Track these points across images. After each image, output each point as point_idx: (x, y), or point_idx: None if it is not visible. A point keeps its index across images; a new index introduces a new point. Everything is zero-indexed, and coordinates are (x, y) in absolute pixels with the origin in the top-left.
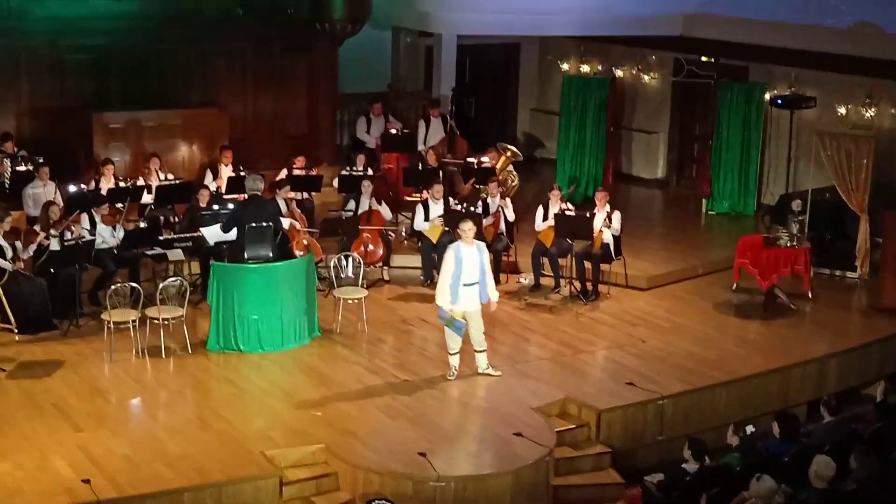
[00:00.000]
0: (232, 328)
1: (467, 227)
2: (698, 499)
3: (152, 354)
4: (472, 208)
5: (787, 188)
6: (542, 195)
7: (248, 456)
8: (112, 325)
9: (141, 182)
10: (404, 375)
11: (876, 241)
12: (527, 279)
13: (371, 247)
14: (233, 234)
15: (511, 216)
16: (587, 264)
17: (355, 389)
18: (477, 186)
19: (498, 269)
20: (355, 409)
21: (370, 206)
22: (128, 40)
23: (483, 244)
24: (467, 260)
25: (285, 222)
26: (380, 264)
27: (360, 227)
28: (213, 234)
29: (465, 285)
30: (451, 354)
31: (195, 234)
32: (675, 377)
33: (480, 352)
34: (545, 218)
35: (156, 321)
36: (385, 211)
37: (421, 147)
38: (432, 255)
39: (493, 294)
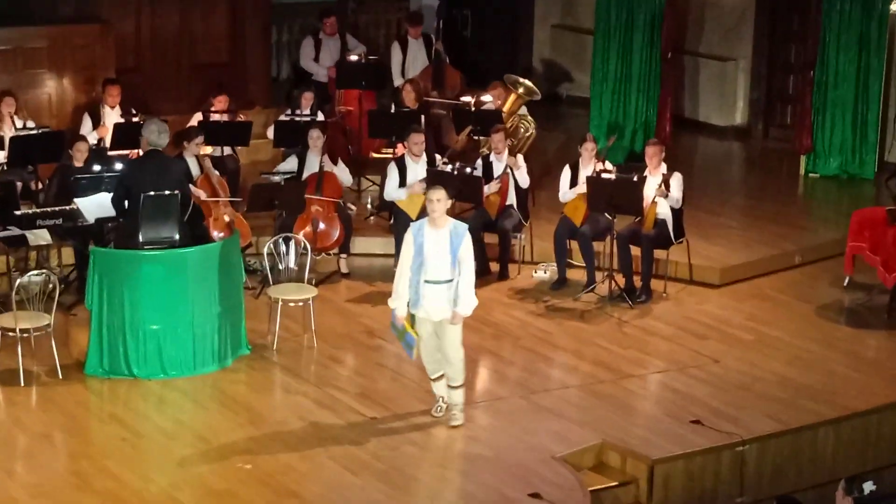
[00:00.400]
0: (121, 344)
1: (436, 198)
2: None
3: (5, 381)
4: (468, 169)
5: None
6: (570, 151)
7: None
8: None
9: None
10: (371, 411)
11: None
12: (547, 272)
13: (323, 226)
14: (122, 208)
15: (524, 181)
16: (634, 250)
17: (299, 431)
18: (475, 138)
19: (506, 257)
20: (300, 459)
21: (321, 167)
22: None
23: (463, 227)
24: (433, 248)
25: (198, 190)
26: (335, 251)
27: (306, 196)
28: (93, 206)
29: (427, 283)
30: (432, 380)
31: (68, 208)
32: (762, 412)
33: (454, 388)
34: (574, 184)
35: (10, 334)
36: (343, 174)
37: (398, 81)
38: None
39: (467, 302)
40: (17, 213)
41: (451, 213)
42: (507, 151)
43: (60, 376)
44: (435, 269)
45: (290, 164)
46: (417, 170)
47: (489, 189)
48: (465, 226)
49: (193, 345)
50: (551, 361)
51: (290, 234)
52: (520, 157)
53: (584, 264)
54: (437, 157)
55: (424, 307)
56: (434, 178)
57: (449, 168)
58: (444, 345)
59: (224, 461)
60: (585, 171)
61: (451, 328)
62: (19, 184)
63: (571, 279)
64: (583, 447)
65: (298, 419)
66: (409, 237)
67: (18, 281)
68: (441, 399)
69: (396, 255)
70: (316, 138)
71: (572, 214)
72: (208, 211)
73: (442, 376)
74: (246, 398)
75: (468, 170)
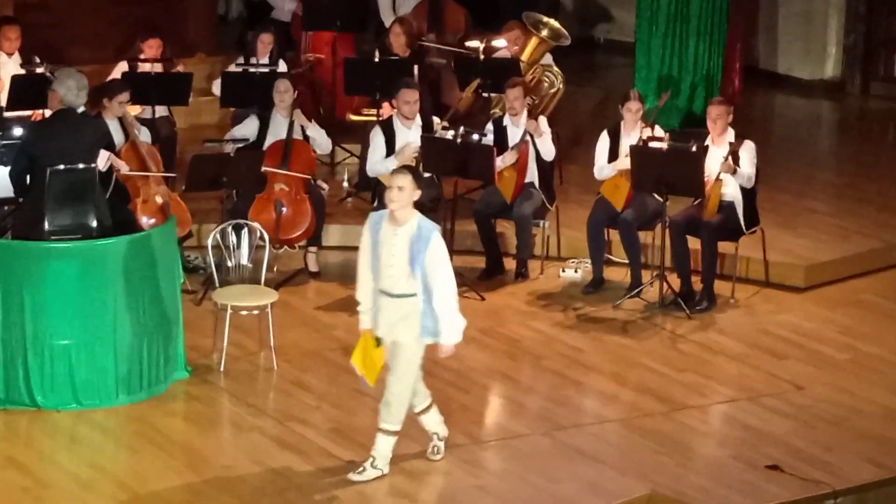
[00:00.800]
0: (21, 364)
1: (396, 186)
2: None
3: None
4: (475, 136)
5: None
6: (609, 112)
7: None
8: None
9: None
10: (347, 452)
11: None
12: (578, 270)
13: (287, 210)
14: (23, 185)
15: (549, 151)
16: (693, 242)
17: (254, 479)
18: (485, 95)
19: (525, 251)
20: None
21: (290, 132)
22: None
23: (430, 229)
24: (388, 250)
25: (102, 156)
26: (302, 243)
27: (266, 170)
28: None
29: (384, 294)
30: (416, 415)
31: None
32: (858, 454)
33: (381, 431)
34: (614, 156)
35: None
36: (320, 137)
37: (388, 19)
38: None
39: (450, 327)
40: None
41: (453, 193)
42: (525, 113)
43: None
44: (388, 278)
45: (248, 127)
46: (409, 136)
47: (503, 162)
48: (434, 227)
49: (115, 366)
50: (583, 388)
51: (243, 221)
52: (542, 120)
53: (627, 261)
54: (435, 119)
55: (379, 323)
56: (430, 148)
57: (450, 134)
58: (389, 373)
59: None
60: (629, 138)
61: (401, 355)
62: None
63: (610, 280)
64: (624, 500)
65: (253, 463)
66: (365, 230)
67: None
68: (436, 436)
69: None
70: (283, 92)
71: (611, 196)
72: (135, 190)
73: (429, 407)
74: (184, 436)
75: (475, 137)
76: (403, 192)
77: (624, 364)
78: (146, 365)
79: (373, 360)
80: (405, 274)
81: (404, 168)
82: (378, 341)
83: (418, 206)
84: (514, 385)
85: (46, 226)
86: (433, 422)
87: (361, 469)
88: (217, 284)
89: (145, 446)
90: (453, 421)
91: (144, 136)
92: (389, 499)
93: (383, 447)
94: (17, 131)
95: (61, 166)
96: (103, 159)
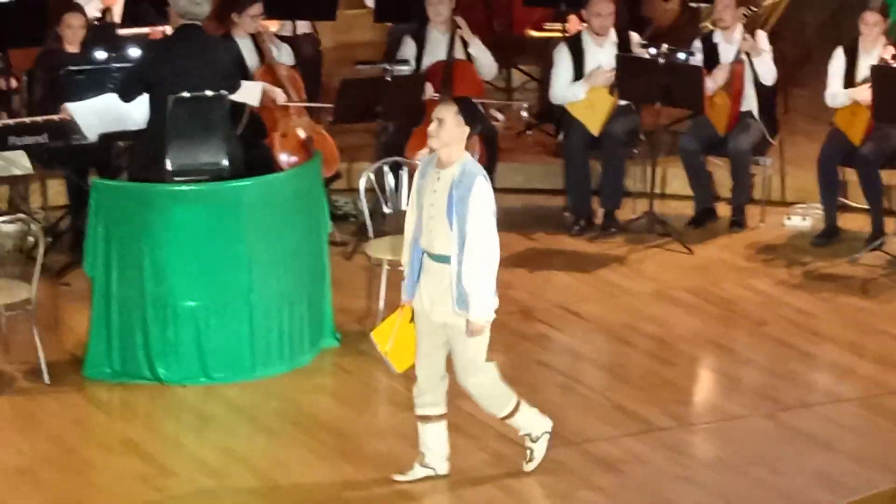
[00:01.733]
0: (140, 331)
1: (436, 118)
2: None
3: None
4: (680, 55)
5: None
6: (844, 25)
7: None
8: None
9: None
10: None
11: None
12: (807, 218)
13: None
14: (140, 115)
15: (769, 73)
16: None
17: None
18: (692, 5)
19: (742, 194)
20: None
21: (451, 51)
22: None
23: (474, 173)
24: (429, 199)
25: (255, 88)
26: None
27: (427, 98)
28: (94, 116)
29: (431, 257)
30: (417, 418)
31: (57, 118)
32: None
33: (506, 418)
34: (850, 80)
35: None
36: (484, 59)
37: None
38: (587, 162)
39: (477, 302)
40: None
41: (655, 124)
42: (741, 27)
43: (47, 380)
44: (428, 233)
45: (405, 49)
46: (601, 55)
47: (714, 84)
48: (479, 171)
49: (251, 333)
50: (813, 360)
51: (401, 159)
52: (762, 35)
53: (867, 206)
54: (633, 35)
55: (420, 295)
56: (627, 70)
57: (651, 53)
58: (455, 364)
59: None
60: (868, 57)
61: (461, 338)
62: None
63: (846, 230)
64: (863, 496)
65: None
66: (416, 175)
67: None
68: (423, 457)
69: (567, 188)
70: (437, 3)
71: (847, 127)
72: (273, 122)
73: (432, 417)
74: (333, 417)
75: (681, 56)
76: (444, 126)
77: (862, 331)
78: (287, 332)
79: (406, 340)
80: (444, 228)
81: (450, 99)
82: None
83: (618, 138)
84: (728, 356)
85: (168, 165)
86: (525, 420)
87: (528, 455)
88: (371, 235)
89: (286, 428)
90: (655, 398)
91: (285, 56)
92: (583, 492)
93: (527, 421)
94: (134, 52)
95: (185, 94)
96: (255, 92)
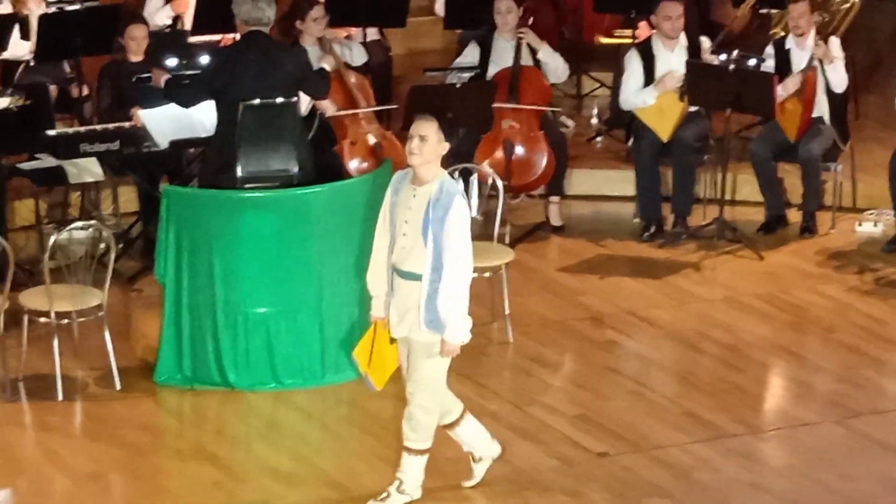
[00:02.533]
0: (210, 337)
1: (418, 135)
2: None
3: (34, 394)
4: (751, 61)
5: None
6: None
7: None
8: None
9: (4, 8)
10: (597, 443)
11: None
12: (878, 224)
13: (522, 151)
14: (210, 122)
15: (841, 80)
16: None
17: (487, 474)
18: (763, 11)
19: (813, 200)
20: None
21: (517, 58)
22: None
23: (453, 192)
24: (403, 214)
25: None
26: (541, 191)
27: (495, 106)
28: (166, 123)
29: (398, 273)
30: (444, 427)
31: (128, 125)
32: None
33: (407, 451)
34: None
35: (41, 319)
36: (555, 63)
37: None
38: (657, 168)
39: (453, 323)
40: (51, 133)
41: (725, 130)
42: (813, 33)
43: (118, 386)
44: (400, 249)
45: (471, 55)
46: (671, 61)
47: (785, 91)
48: (457, 189)
49: (321, 339)
50: (884, 367)
51: (470, 165)
52: (834, 41)
53: None
54: (704, 41)
55: (391, 311)
56: (697, 76)
57: (721, 59)
58: (409, 377)
59: None
60: None
61: (420, 356)
62: (53, 88)
63: None
64: None
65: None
66: (388, 191)
67: (53, 238)
68: (472, 456)
69: (638, 194)
70: (505, 13)
71: None
72: (342, 129)
73: (461, 419)
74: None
75: (752, 62)
76: (426, 142)
77: None
78: (357, 338)
79: (382, 357)
80: (418, 245)
81: (428, 115)
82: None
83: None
84: (799, 363)
85: (239, 172)
86: (468, 436)
87: (385, 495)
88: None
89: (356, 434)
90: (726, 405)
91: (357, 56)
92: (653, 499)
93: (412, 469)
94: (204, 60)
95: (256, 100)
96: (304, 102)
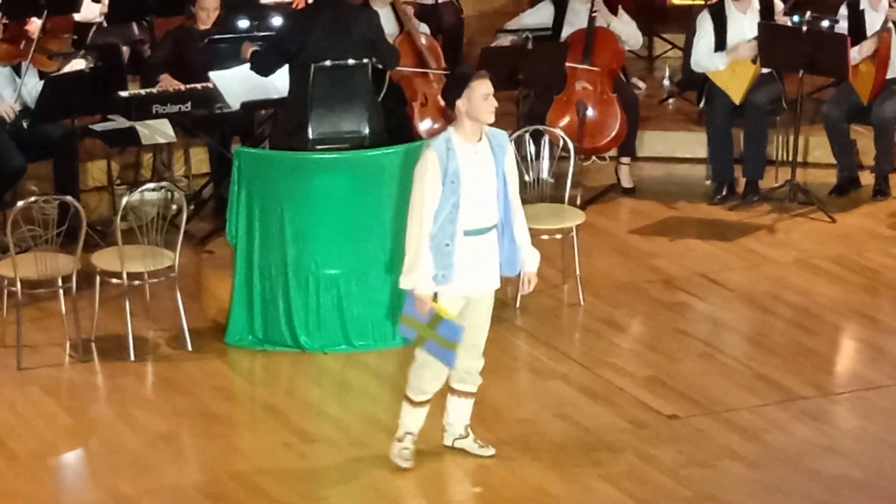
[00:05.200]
0: (282, 298)
1: (491, 90)
2: None
3: (107, 354)
4: (824, 23)
5: None
6: None
7: None
8: (18, 288)
9: None
10: (668, 405)
11: None
12: None
13: (593, 113)
14: (282, 84)
15: None
16: None
17: (557, 435)
18: None
19: (886, 161)
20: (560, 480)
21: (591, 20)
22: None
23: (503, 134)
24: (473, 174)
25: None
26: (613, 153)
27: (568, 66)
28: (238, 84)
29: (468, 235)
30: (418, 404)
31: (200, 86)
32: None
33: (462, 393)
34: None
35: (113, 280)
36: (627, 28)
37: None
38: (729, 131)
39: (532, 251)
40: (124, 94)
41: (798, 92)
42: None
43: (190, 347)
44: (479, 211)
45: (543, 14)
46: (744, 23)
47: (859, 54)
48: (504, 132)
49: (392, 300)
50: None
51: (542, 127)
52: None
53: None
54: (777, 2)
55: (465, 278)
56: (770, 38)
57: (794, 21)
58: (472, 329)
59: (441, 481)
60: None
61: (488, 303)
62: (126, 49)
63: None
64: None
65: (555, 417)
66: (433, 165)
67: (126, 199)
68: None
69: (710, 157)
70: None
71: None
72: (413, 91)
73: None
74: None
75: (825, 24)
76: (485, 97)
77: None
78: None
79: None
80: (493, 197)
81: (481, 72)
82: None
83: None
84: (872, 325)
85: (310, 133)
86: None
87: (475, 441)
88: None
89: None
90: (798, 368)
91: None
92: (724, 461)
93: (465, 413)
94: (276, 21)
95: (327, 62)
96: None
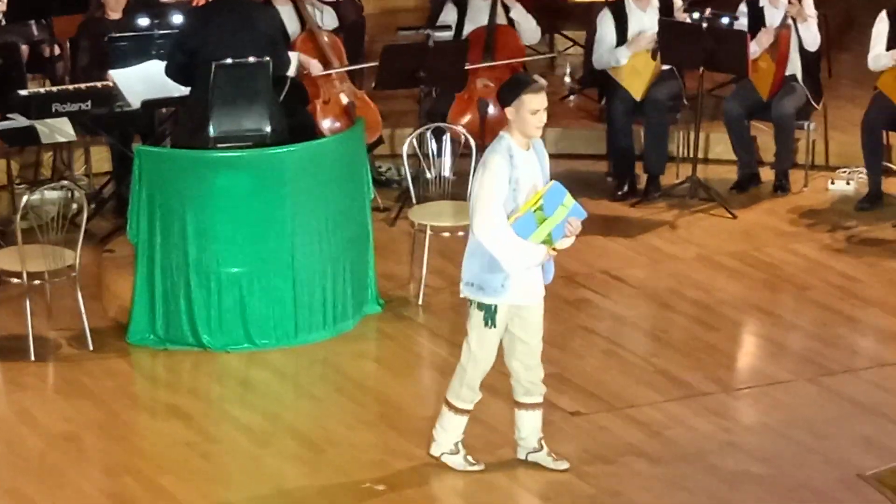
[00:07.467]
0: (183, 298)
1: (532, 96)
2: None
3: (7, 355)
4: (724, 19)
5: None
6: None
7: None
8: None
9: None
10: (572, 402)
11: None
12: (851, 182)
13: (495, 110)
14: (184, 80)
15: (814, 38)
16: None
17: (472, 440)
18: None
19: (786, 159)
20: (462, 477)
21: (492, 17)
22: None
23: (540, 143)
24: (528, 179)
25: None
26: None
27: (469, 66)
28: (138, 82)
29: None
30: (463, 412)
31: (100, 85)
32: None
33: (530, 406)
34: (893, 44)
35: (13, 280)
36: (526, 24)
37: None
38: (630, 127)
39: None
40: (23, 93)
41: (698, 88)
42: None
43: (91, 347)
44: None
45: (447, 15)
46: (644, 20)
47: (758, 47)
48: (540, 139)
49: (294, 299)
50: (857, 325)
51: (444, 125)
52: (808, 0)
53: None
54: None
55: (521, 286)
56: (669, 35)
57: (694, 17)
58: (530, 337)
59: (343, 480)
60: None
61: (541, 312)
62: (25, 48)
63: (890, 194)
64: None
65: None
66: (501, 165)
67: (26, 199)
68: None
69: (609, 153)
70: None
71: (892, 91)
72: (315, 89)
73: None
74: (376, 383)
75: (724, 20)
76: (541, 103)
77: None
78: (330, 297)
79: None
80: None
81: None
82: (491, 314)
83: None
84: (773, 321)
85: (211, 131)
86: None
87: (549, 455)
88: (414, 201)
89: (330, 394)
90: (699, 363)
91: (328, 19)
92: (626, 457)
93: (535, 419)
94: (177, 18)
95: (228, 60)
96: (292, 62)
